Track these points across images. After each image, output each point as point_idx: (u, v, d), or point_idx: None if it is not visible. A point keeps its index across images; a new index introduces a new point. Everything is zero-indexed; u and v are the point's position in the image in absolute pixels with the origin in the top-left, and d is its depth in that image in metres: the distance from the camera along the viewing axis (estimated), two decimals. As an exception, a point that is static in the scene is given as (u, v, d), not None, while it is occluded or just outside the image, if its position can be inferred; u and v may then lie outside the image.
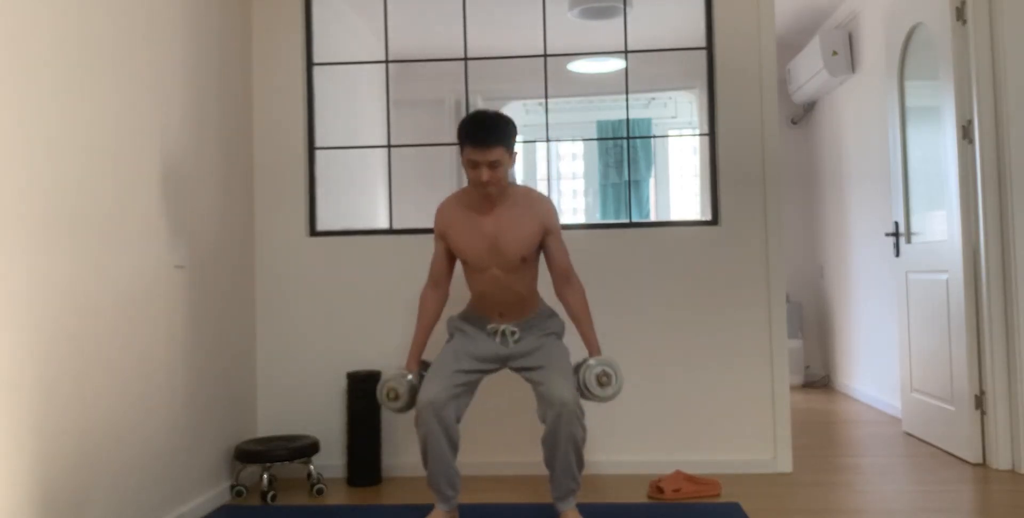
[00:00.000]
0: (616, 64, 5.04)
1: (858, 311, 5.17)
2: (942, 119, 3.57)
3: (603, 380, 2.57)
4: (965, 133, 3.43)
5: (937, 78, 3.61)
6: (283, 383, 3.45)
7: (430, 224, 3.39)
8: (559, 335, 2.77)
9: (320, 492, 3.14)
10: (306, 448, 3.10)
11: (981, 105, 3.35)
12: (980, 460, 3.40)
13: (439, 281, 2.75)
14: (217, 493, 3.01)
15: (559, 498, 2.60)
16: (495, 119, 2.56)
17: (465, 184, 2.67)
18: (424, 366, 2.75)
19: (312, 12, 3.54)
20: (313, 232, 3.50)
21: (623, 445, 3.38)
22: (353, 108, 4.08)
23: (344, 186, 3.96)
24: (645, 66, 3.91)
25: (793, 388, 5.68)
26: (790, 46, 5.92)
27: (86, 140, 2.29)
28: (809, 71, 5.33)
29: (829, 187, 5.63)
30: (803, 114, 6.02)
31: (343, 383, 3.43)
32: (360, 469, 3.25)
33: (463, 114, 3.28)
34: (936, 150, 3.67)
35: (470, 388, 2.65)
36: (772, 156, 3.37)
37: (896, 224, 4.06)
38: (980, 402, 3.40)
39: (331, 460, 3.42)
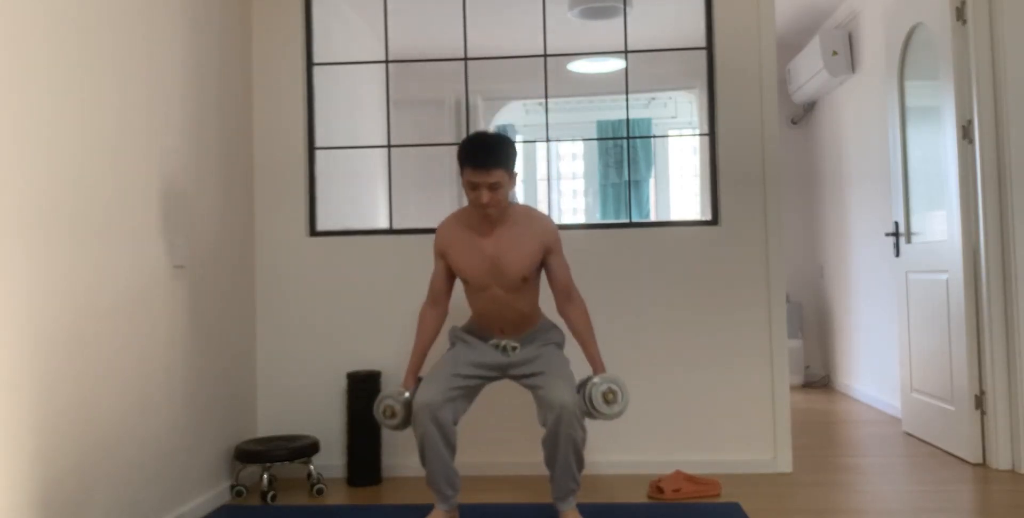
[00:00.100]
0: (616, 64, 5.04)
1: (858, 311, 5.17)
2: (942, 119, 3.57)
3: (609, 397, 2.56)
4: (965, 133, 3.43)
5: (937, 78, 3.61)
6: (283, 383, 3.45)
7: (430, 224, 3.39)
8: (560, 345, 2.78)
9: (320, 492, 3.14)
10: (306, 448, 3.10)
11: (981, 105, 3.35)
12: (980, 460, 3.40)
13: (438, 298, 2.75)
14: (217, 493, 3.01)
15: (559, 498, 2.60)
16: (495, 141, 2.53)
17: (465, 199, 2.67)
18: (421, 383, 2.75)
19: (312, 12, 3.54)
20: (313, 232, 3.50)
21: (623, 445, 3.38)
22: (353, 108, 4.08)
23: (344, 186, 3.96)
24: (645, 66, 3.92)
25: (793, 388, 5.68)
26: (790, 46, 5.92)
27: (86, 140, 2.29)
28: (809, 71, 5.33)
29: (829, 187, 5.63)
30: (803, 114, 6.02)
31: (343, 383, 3.43)
32: (360, 469, 3.26)
33: (463, 114, 3.28)
34: (936, 150, 3.67)
35: (468, 393, 2.65)
36: (772, 156, 3.37)
37: (896, 224, 4.06)
38: (980, 402, 3.40)
39: (331, 460, 3.42)
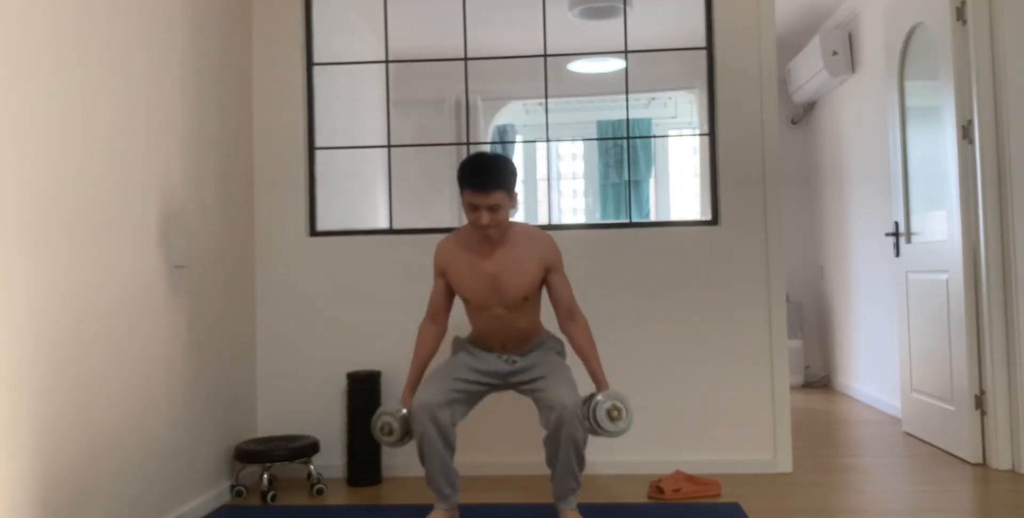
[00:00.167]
0: (616, 64, 5.05)
1: (858, 311, 5.17)
2: (942, 119, 3.57)
3: (613, 414, 2.56)
4: (965, 133, 3.43)
5: (937, 78, 3.61)
6: (283, 383, 3.45)
7: (430, 224, 3.40)
8: (560, 353, 2.79)
9: (320, 492, 3.14)
10: (306, 448, 3.10)
11: (981, 105, 3.35)
12: (980, 460, 3.40)
13: (437, 315, 2.75)
14: (217, 493, 3.01)
15: (560, 498, 2.60)
16: (495, 163, 2.52)
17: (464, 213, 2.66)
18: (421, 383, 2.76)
19: (312, 12, 3.54)
20: (313, 232, 3.50)
21: (623, 445, 3.38)
22: (353, 108, 4.08)
23: (344, 186, 3.96)
24: (645, 66, 3.92)
25: (793, 388, 5.68)
26: (790, 46, 5.92)
27: (85, 140, 2.29)
28: (809, 71, 5.33)
29: (829, 187, 5.63)
30: (803, 114, 6.02)
31: (343, 383, 3.44)
32: (360, 469, 3.26)
33: (463, 114, 3.28)
34: (936, 150, 3.67)
35: (468, 398, 2.65)
36: (772, 156, 3.37)
37: (896, 224, 4.06)
38: (980, 402, 3.40)
39: (331, 460, 3.42)
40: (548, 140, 3.90)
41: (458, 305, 2.91)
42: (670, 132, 6.46)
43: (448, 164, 5.44)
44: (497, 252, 2.61)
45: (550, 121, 3.82)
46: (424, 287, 3.40)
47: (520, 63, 3.65)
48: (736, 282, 3.36)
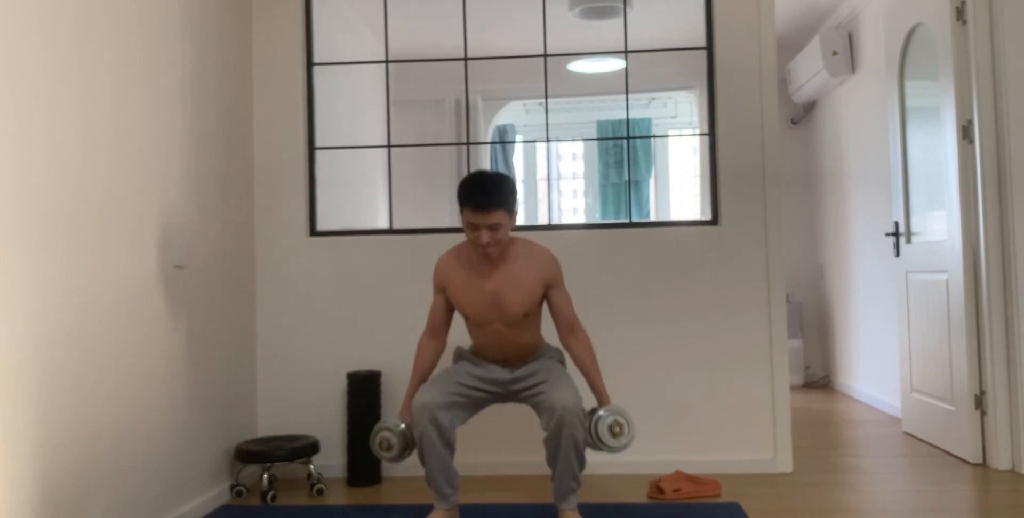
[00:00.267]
0: (616, 64, 5.05)
1: (858, 311, 5.17)
2: (942, 119, 3.57)
3: (615, 430, 2.56)
4: (965, 133, 3.43)
5: (937, 78, 3.61)
6: (283, 383, 3.45)
7: (430, 224, 3.40)
8: (561, 362, 2.80)
9: (320, 492, 3.14)
10: (306, 448, 3.10)
11: (981, 105, 3.35)
12: (980, 460, 3.40)
13: (437, 331, 2.75)
14: (217, 493, 3.01)
15: (560, 497, 2.60)
16: (495, 182, 2.51)
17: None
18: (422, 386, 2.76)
19: (312, 12, 3.54)
20: (313, 232, 3.50)
21: (623, 445, 3.38)
22: (353, 108, 4.08)
23: (344, 186, 3.96)
24: (645, 66, 3.92)
25: (793, 388, 5.68)
26: (790, 46, 5.92)
27: (84, 140, 2.29)
28: (809, 71, 5.33)
29: (829, 187, 5.63)
30: (803, 114, 6.02)
31: (343, 383, 3.44)
32: (360, 469, 3.26)
33: (463, 114, 3.28)
34: (936, 150, 3.67)
35: (468, 404, 2.65)
36: (772, 156, 3.37)
37: (896, 224, 4.06)
38: (980, 402, 3.40)
39: (331, 460, 3.42)
40: (548, 140, 3.90)
41: (458, 318, 2.91)
42: (670, 132, 6.47)
43: (448, 164, 5.44)
44: (497, 269, 2.61)
45: (550, 121, 3.82)
46: (424, 287, 3.40)
47: (520, 63, 3.66)
48: (736, 282, 3.36)
